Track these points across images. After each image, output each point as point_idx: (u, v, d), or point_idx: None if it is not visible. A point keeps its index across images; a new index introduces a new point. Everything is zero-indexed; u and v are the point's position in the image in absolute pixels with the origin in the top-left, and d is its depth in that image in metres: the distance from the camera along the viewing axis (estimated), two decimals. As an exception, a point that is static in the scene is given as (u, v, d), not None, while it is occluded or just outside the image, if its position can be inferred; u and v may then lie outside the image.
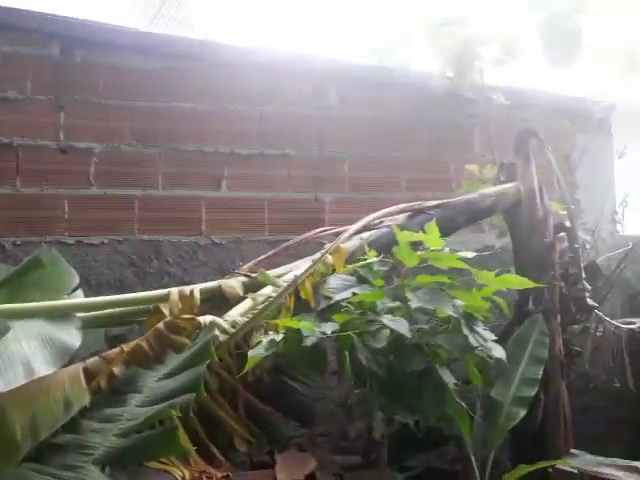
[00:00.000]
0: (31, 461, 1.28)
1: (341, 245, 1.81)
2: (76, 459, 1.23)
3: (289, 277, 1.74)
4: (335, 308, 1.62)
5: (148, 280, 2.43)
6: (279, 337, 1.38)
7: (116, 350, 1.66)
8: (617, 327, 2.15)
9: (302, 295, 1.74)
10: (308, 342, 1.40)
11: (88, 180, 2.45)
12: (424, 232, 1.70)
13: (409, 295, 1.48)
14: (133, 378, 1.49)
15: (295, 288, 1.69)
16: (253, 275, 1.82)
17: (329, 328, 1.39)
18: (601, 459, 1.86)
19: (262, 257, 1.96)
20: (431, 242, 1.61)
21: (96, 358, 1.62)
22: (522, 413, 1.74)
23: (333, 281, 1.74)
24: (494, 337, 1.51)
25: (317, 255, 1.75)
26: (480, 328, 1.46)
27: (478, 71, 2.50)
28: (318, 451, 1.74)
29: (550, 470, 1.84)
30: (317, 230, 2.06)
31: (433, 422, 1.87)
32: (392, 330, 1.45)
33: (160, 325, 1.65)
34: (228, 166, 2.65)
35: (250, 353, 1.36)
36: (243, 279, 1.82)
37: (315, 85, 2.79)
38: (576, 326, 2.29)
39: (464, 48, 2.55)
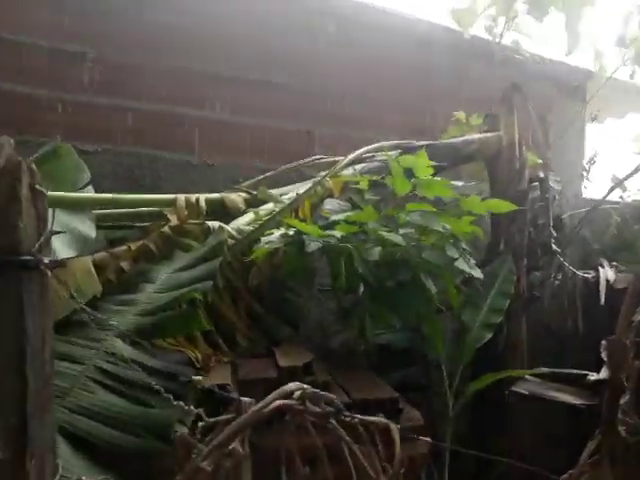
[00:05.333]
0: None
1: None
2: (99, 334, 1.34)
3: (290, 195, 1.85)
4: (332, 226, 1.74)
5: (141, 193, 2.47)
6: (291, 231, 1.50)
7: (123, 248, 1.75)
8: (574, 274, 2.38)
9: (300, 214, 1.86)
10: (311, 247, 1.52)
11: (83, 85, 2.43)
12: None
13: (402, 216, 1.62)
14: (142, 271, 1.59)
15: (295, 206, 1.81)
16: (253, 192, 1.92)
17: (333, 235, 1.51)
18: (549, 384, 2.13)
19: (260, 177, 2.06)
20: (420, 170, 1.73)
21: (104, 253, 1.71)
22: (488, 336, 1.95)
23: (329, 204, 1.87)
24: (474, 261, 1.68)
25: (317, 178, 1.85)
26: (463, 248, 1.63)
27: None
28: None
29: (506, 392, 2.10)
30: (313, 157, 2.16)
31: (406, 343, 2.09)
32: (384, 246, 1.60)
33: (166, 228, 1.75)
34: (221, 88, 2.67)
35: (264, 239, 1.47)
36: (244, 194, 1.92)
37: (316, 20, 2.81)
38: (537, 274, 2.53)
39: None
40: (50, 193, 1.57)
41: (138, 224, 1.93)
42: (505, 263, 2.21)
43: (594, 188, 3.57)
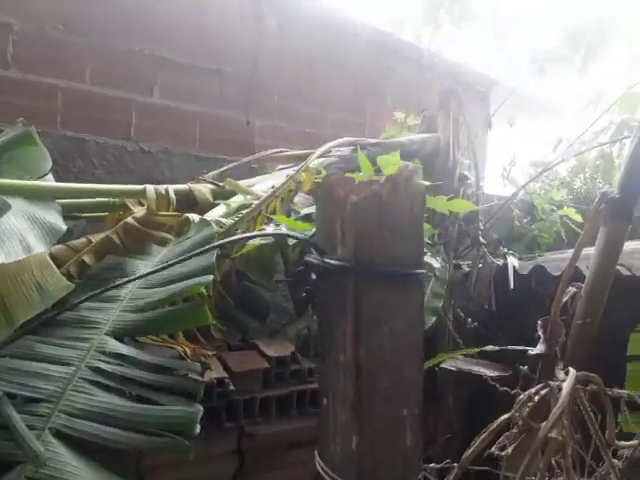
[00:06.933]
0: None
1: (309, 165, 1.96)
2: (85, 332, 1.28)
3: (260, 187, 1.86)
4: (304, 220, 1.79)
5: (70, 180, 2.29)
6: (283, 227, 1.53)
7: (82, 240, 1.65)
8: (492, 262, 2.67)
9: (269, 208, 1.87)
10: (290, 241, 1.57)
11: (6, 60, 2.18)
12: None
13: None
14: (112, 266, 1.51)
15: (271, 200, 1.82)
16: (220, 184, 1.90)
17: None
18: (471, 360, 2.42)
19: (225, 168, 2.03)
20: (388, 168, 1.84)
21: (61, 246, 1.60)
22: (433, 319, 2.14)
23: (297, 199, 1.92)
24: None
25: (290, 171, 1.89)
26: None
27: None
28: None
29: (437, 369, 2.34)
30: (273, 150, 2.18)
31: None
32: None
33: (129, 220, 1.67)
34: (160, 72, 2.56)
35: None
36: (210, 186, 1.89)
37: (256, 7, 2.79)
38: (456, 263, 2.80)
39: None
40: (12, 181, 1.44)
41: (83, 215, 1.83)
42: (439, 253, 2.43)
43: (491, 185, 4.01)
